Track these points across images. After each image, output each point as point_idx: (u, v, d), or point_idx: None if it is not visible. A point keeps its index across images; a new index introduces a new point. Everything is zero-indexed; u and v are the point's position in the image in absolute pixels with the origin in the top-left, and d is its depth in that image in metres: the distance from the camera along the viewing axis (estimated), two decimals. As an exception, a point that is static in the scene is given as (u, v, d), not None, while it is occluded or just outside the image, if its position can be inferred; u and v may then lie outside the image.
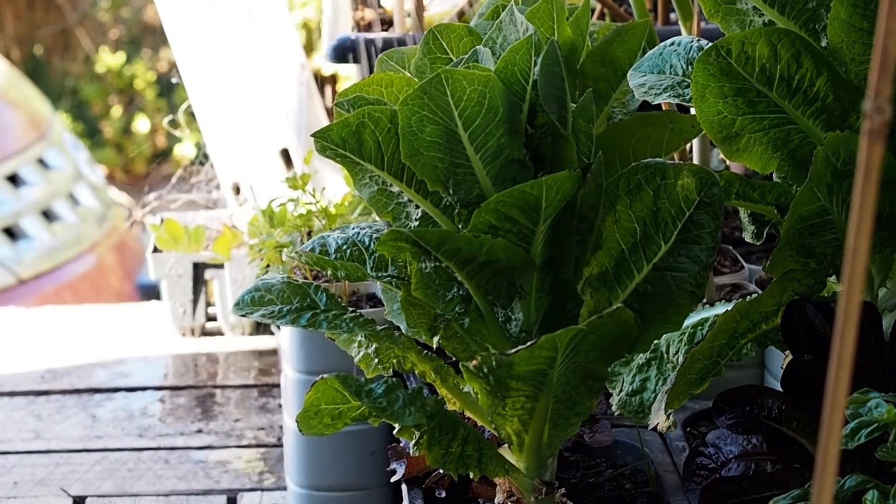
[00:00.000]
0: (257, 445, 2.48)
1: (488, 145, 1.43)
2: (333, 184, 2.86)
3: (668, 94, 1.55)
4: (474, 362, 1.43)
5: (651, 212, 1.47)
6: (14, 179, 4.79)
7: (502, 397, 1.47)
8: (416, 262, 1.46)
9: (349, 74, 4.87)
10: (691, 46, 1.58)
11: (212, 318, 3.02)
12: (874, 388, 1.43)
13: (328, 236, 1.59)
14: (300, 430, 1.52)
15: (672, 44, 1.59)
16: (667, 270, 1.48)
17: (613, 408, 1.63)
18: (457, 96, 1.39)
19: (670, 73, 1.57)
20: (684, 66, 1.57)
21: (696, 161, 1.93)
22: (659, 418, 1.55)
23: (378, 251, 1.47)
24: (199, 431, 2.54)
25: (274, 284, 1.55)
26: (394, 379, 1.48)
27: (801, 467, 1.49)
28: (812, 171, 1.45)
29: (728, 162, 2.10)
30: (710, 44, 1.50)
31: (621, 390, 1.63)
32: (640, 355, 1.63)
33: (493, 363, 1.43)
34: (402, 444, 1.74)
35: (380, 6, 2.88)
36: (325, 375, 1.48)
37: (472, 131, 1.42)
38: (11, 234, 4.68)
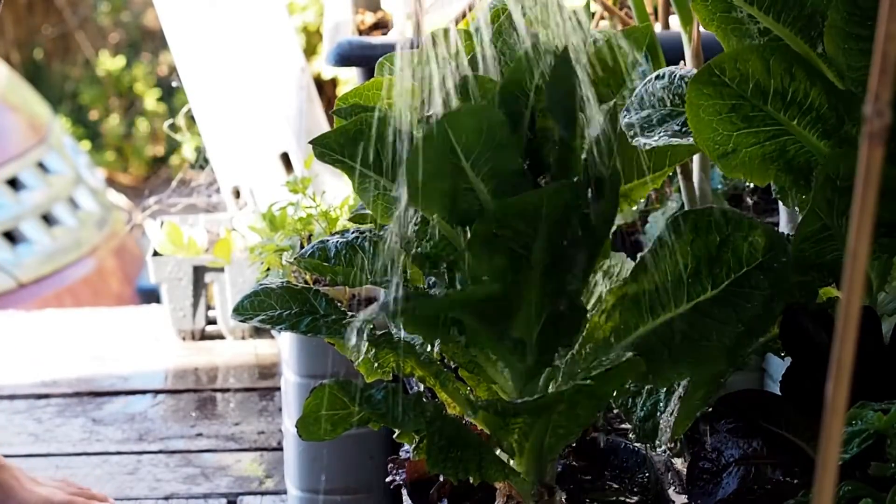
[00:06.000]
0: (257, 449, 2.48)
1: (490, 168, 1.41)
2: (333, 187, 2.86)
3: (660, 129, 1.55)
4: (479, 403, 1.45)
5: (709, 255, 1.44)
6: (14, 183, 4.79)
7: (504, 416, 1.48)
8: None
9: (349, 78, 4.87)
10: (675, 76, 1.59)
11: (212, 322, 3.02)
12: (873, 392, 1.43)
13: (328, 241, 1.59)
14: (300, 437, 1.51)
15: (656, 77, 1.60)
16: (708, 317, 1.45)
17: (631, 436, 1.64)
18: (458, 136, 1.37)
19: (659, 107, 1.57)
20: (670, 97, 1.57)
21: (696, 175, 1.93)
22: (666, 443, 1.56)
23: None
24: (200, 435, 2.54)
25: (273, 289, 1.55)
26: (394, 384, 1.48)
27: (802, 471, 1.49)
28: (814, 190, 1.45)
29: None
30: (695, 71, 1.51)
31: (636, 419, 1.63)
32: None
33: (499, 408, 1.44)
34: (402, 456, 1.74)
35: (380, 9, 2.88)
36: (324, 381, 1.48)
37: (474, 159, 1.39)
38: (11, 237, 4.67)
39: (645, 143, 1.56)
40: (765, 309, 1.43)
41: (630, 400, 1.62)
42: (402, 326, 1.50)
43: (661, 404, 1.61)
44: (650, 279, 1.48)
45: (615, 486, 1.75)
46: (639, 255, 1.52)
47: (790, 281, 1.45)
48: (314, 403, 1.49)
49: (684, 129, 1.54)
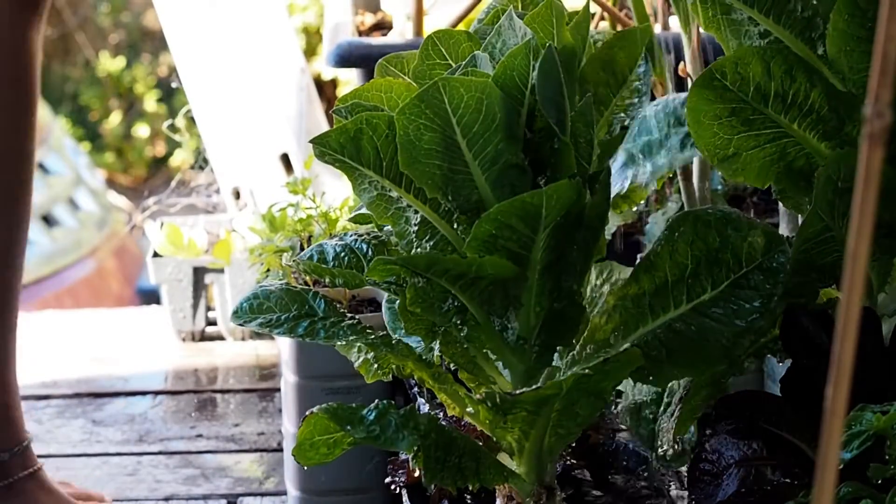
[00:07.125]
0: (257, 450, 2.48)
1: (486, 151, 1.42)
2: (333, 188, 2.86)
3: (661, 149, 1.56)
4: (478, 396, 1.44)
5: (709, 255, 1.45)
6: (14, 184, 4.78)
7: (504, 414, 1.47)
8: (409, 276, 1.46)
9: (349, 79, 4.87)
10: (668, 103, 1.60)
11: (212, 323, 3.02)
12: (873, 393, 1.43)
13: (326, 244, 1.59)
14: (298, 463, 1.50)
15: (651, 106, 1.61)
16: (707, 318, 1.46)
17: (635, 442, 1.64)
18: (454, 104, 1.39)
19: (656, 132, 1.59)
20: (667, 119, 1.58)
21: (696, 176, 1.93)
22: (668, 445, 1.56)
23: (369, 277, 1.47)
24: (200, 436, 2.53)
25: (272, 291, 1.55)
26: (385, 402, 1.47)
27: (802, 473, 1.49)
28: (815, 192, 1.45)
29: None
30: (684, 97, 1.52)
31: (642, 427, 1.63)
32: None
33: (498, 400, 1.43)
34: (402, 457, 1.74)
35: (380, 10, 2.88)
36: (314, 409, 1.46)
37: (471, 138, 1.41)
38: (12, 238, 4.67)
39: (651, 170, 1.57)
40: (764, 309, 1.44)
41: (636, 412, 1.63)
42: (409, 307, 1.49)
43: (663, 410, 1.62)
44: (651, 280, 1.48)
45: (615, 486, 1.75)
46: (638, 256, 1.52)
47: (789, 281, 1.46)
48: (307, 431, 1.47)
49: (684, 142, 1.55)
